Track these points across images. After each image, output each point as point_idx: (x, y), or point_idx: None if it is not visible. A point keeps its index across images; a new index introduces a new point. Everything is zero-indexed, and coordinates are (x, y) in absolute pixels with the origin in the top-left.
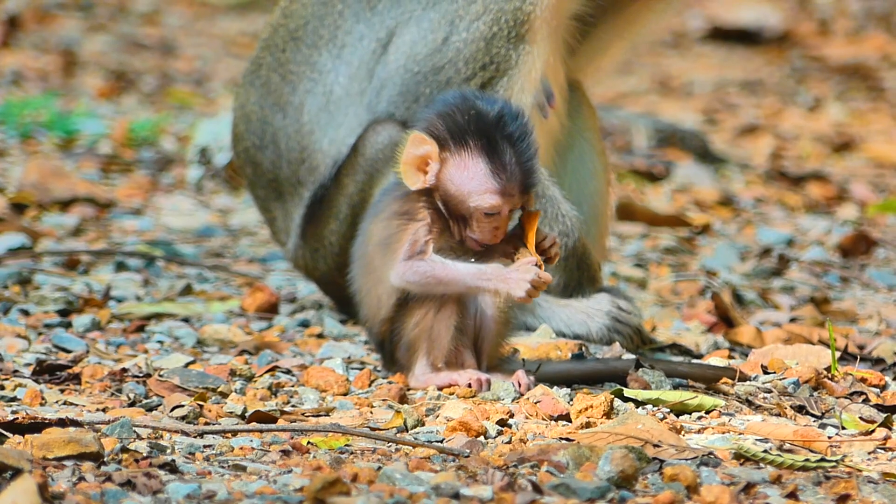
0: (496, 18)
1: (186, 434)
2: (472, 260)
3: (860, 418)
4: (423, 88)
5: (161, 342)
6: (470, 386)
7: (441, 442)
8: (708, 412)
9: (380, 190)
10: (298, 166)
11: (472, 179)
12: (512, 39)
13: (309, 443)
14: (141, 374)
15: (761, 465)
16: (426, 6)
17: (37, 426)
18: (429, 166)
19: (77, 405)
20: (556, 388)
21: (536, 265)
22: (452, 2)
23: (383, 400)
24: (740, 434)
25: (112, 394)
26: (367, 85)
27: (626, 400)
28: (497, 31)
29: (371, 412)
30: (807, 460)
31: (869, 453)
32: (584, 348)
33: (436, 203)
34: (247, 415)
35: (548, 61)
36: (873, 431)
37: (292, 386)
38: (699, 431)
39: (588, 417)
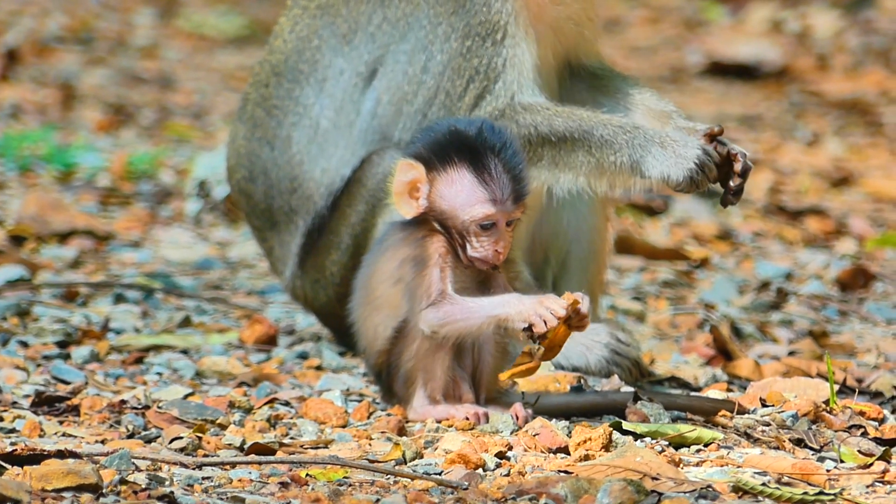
0: (465, 34)
1: (185, 466)
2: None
3: (859, 451)
4: (425, 123)
5: (160, 374)
6: (468, 419)
7: (440, 474)
8: (706, 445)
9: (383, 220)
10: (290, 195)
11: (461, 192)
12: (489, 48)
13: (307, 475)
14: (140, 406)
15: (760, 498)
16: (399, 39)
17: (35, 458)
18: (419, 191)
19: (76, 437)
20: (554, 420)
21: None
22: (420, 28)
23: (382, 432)
24: (739, 467)
25: (111, 425)
26: (354, 117)
27: (625, 433)
28: (471, 45)
29: (370, 444)
30: (805, 493)
31: (867, 486)
32: (582, 381)
33: (439, 232)
34: (245, 447)
35: (539, 55)
36: (872, 465)
37: (291, 418)
38: (698, 464)
39: (587, 450)
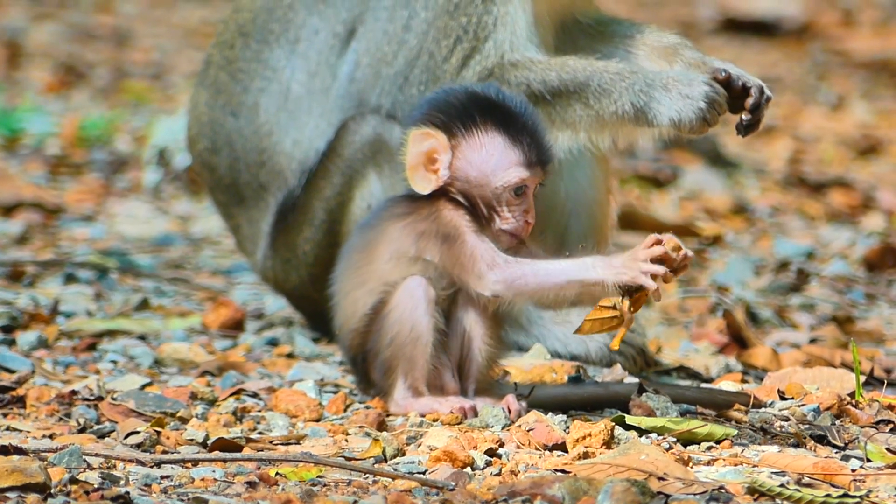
0: None
1: (142, 463)
2: None
3: (887, 449)
4: (407, 90)
5: (114, 362)
6: (453, 413)
7: (423, 473)
8: (718, 442)
9: (361, 193)
10: (258, 170)
11: (493, 156)
12: (478, 5)
13: (277, 473)
14: (92, 398)
15: (778, 500)
16: None
17: None
18: (437, 162)
19: (21, 431)
20: (550, 414)
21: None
22: None
23: (360, 427)
24: (754, 466)
25: (60, 419)
26: (330, 82)
27: (629, 428)
28: (458, 2)
29: (346, 440)
30: (828, 496)
31: None
32: (581, 370)
33: (460, 204)
34: (209, 442)
35: (535, 13)
36: None
37: (259, 411)
38: (709, 463)
39: (586, 447)
